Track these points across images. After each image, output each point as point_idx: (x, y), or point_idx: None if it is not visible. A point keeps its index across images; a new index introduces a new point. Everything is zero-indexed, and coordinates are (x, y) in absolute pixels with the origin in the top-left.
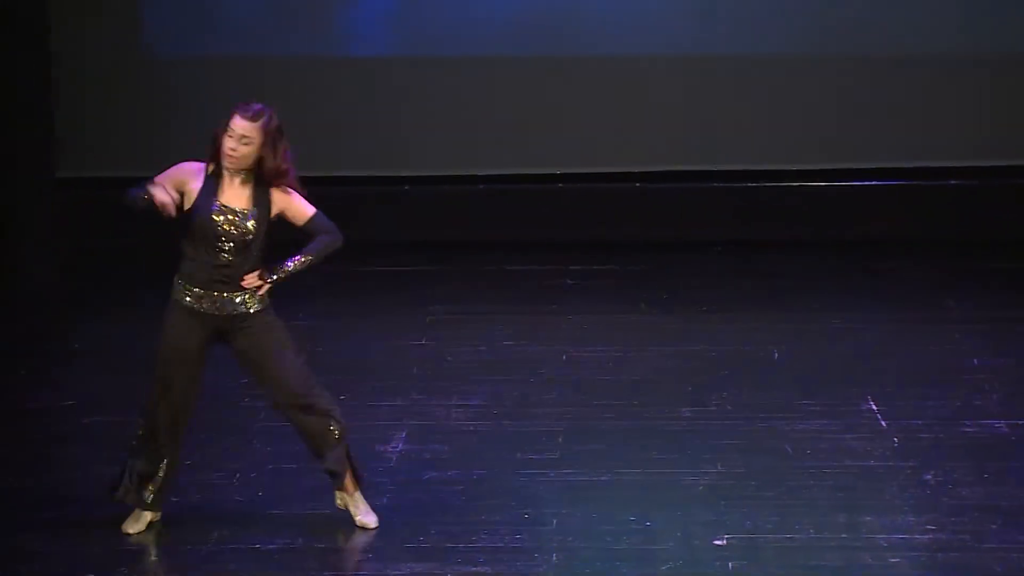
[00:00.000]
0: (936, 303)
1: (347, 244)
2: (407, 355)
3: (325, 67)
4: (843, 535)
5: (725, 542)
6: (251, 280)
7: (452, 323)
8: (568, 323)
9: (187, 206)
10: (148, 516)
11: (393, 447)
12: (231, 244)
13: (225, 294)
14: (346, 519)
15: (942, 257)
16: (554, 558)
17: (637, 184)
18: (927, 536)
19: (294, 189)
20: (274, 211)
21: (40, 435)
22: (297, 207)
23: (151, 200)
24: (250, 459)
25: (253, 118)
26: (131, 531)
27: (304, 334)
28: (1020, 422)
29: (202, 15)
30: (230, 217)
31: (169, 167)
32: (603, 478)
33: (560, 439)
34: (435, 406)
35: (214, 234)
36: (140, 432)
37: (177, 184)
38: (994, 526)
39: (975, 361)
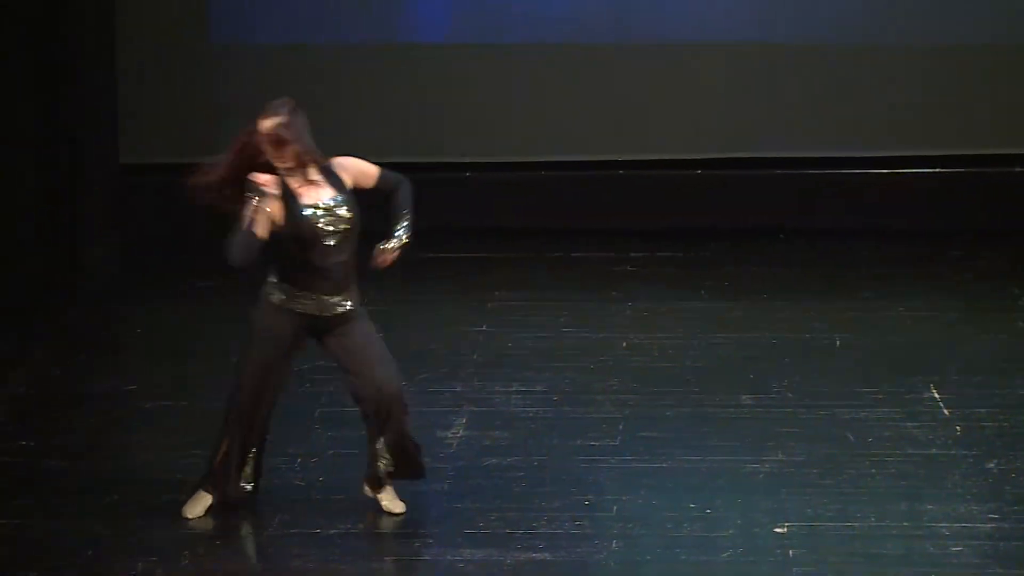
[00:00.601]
0: (1001, 291)
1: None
2: (467, 341)
3: (388, 54)
4: (904, 523)
5: (785, 530)
6: (381, 258)
7: (512, 310)
8: (629, 310)
9: (277, 217)
10: (208, 500)
11: (453, 433)
12: (334, 241)
13: (325, 295)
14: (406, 505)
15: (1008, 245)
16: (614, 544)
17: (699, 171)
18: (989, 525)
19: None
20: (350, 184)
21: (101, 420)
22: (362, 168)
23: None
24: (311, 444)
25: (274, 113)
26: (190, 516)
27: None
28: None
29: (267, 1)
30: (322, 215)
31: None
32: (663, 465)
33: (620, 426)
34: (495, 392)
35: (318, 235)
36: (226, 423)
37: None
38: None
39: None
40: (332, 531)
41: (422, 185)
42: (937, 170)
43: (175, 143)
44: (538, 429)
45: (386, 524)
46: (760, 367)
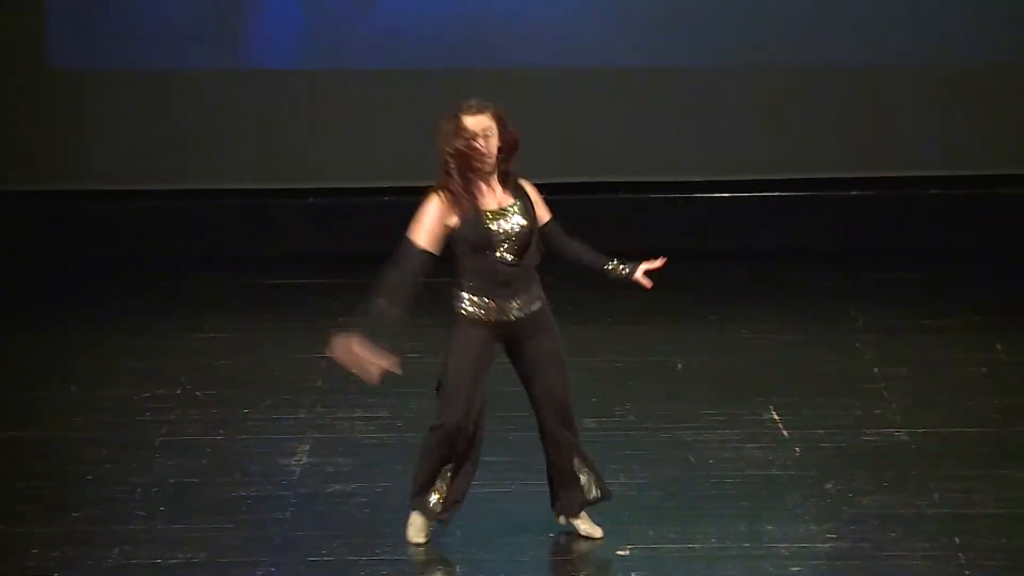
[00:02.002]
0: (838, 313)
1: (253, 257)
2: (311, 368)
3: (232, 80)
4: (745, 544)
5: (628, 552)
6: (647, 281)
7: None
8: None
9: (455, 233)
10: (420, 521)
11: (296, 460)
12: (513, 245)
13: (507, 300)
14: (248, 534)
15: (844, 268)
16: (458, 569)
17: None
18: (828, 545)
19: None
20: (532, 200)
21: None
22: (541, 203)
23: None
24: (152, 474)
25: (481, 110)
26: (411, 541)
27: (207, 347)
28: (919, 430)
29: (109, 25)
30: (502, 221)
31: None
32: (508, 489)
33: None
34: (339, 419)
35: (494, 242)
36: (437, 445)
37: (439, 225)
38: (893, 534)
39: (875, 370)
40: (173, 561)
41: (269, 211)
42: (777, 194)
43: (20, 170)
44: (381, 455)
45: (228, 553)
46: (603, 390)
